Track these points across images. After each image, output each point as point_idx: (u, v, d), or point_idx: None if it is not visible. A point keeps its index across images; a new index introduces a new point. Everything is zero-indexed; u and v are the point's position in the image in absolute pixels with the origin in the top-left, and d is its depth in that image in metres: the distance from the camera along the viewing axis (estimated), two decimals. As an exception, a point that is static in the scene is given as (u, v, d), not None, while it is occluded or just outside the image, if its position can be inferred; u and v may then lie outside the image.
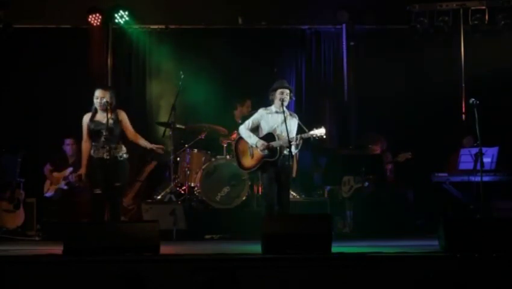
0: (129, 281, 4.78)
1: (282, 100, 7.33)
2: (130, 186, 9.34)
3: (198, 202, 9.13)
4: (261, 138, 7.37)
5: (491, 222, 6.65)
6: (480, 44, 10.19)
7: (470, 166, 8.25)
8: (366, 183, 8.92)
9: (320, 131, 7.15)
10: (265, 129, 7.43)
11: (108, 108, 7.19)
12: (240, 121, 8.39)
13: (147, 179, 9.80)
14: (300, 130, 7.33)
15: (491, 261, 5.83)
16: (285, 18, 10.61)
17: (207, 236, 8.68)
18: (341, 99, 10.68)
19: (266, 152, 7.28)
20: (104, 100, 7.21)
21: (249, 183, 8.98)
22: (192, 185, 9.17)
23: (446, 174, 8.82)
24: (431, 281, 5.53)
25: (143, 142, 7.55)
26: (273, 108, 7.45)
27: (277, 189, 7.30)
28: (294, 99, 7.69)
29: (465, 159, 8.60)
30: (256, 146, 7.34)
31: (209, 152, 9.38)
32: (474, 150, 8.12)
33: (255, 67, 10.37)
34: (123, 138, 7.45)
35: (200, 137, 9.45)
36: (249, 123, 7.53)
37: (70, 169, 9.35)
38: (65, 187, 9.40)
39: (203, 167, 9.11)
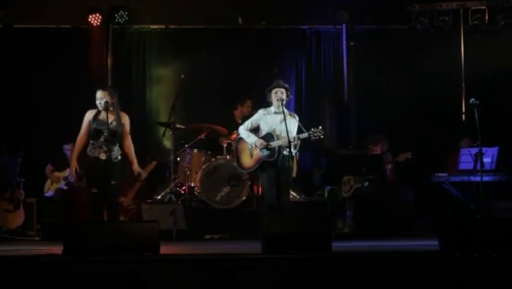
0: (129, 281, 4.78)
1: (280, 100, 7.32)
2: (130, 186, 9.33)
3: (198, 202, 9.14)
4: (260, 138, 7.37)
5: (491, 222, 6.64)
6: (480, 44, 10.20)
7: (470, 166, 8.25)
8: (366, 183, 8.91)
9: (318, 131, 7.15)
10: (264, 130, 7.43)
11: (110, 108, 7.14)
12: (240, 122, 8.39)
13: (147, 179, 9.78)
14: (299, 131, 7.33)
15: (491, 261, 5.83)
16: (285, 18, 10.61)
17: (207, 236, 8.69)
18: (341, 99, 10.68)
19: (265, 152, 7.28)
20: (104, 100, 7.19)
21: (249, 183, 8.99)
22: (192, 185, 9.18)
23: (446, 174, 8.82)
24: None
25: (128, 148, 7.35)
26: (272, 108, 7.45)
27: (277, 189, 7.30)
28: (292, 97, 7.68)
29: (465, 159, 8.59)
30: (255, 145, 7.34)
31: (209, 152, 9.38)
32: (474, 150, 8.12)
33: (255, 67, 10.38)
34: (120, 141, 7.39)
35: (200, 137, 9.45)
36: (248, 123, 7.53)
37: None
38: (65, 187, 9.41)
39: (203, 167, 9.12)
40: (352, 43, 10.64)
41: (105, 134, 7.11)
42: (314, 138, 7.20)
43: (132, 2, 10.41)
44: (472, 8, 10.12)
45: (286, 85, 7.52)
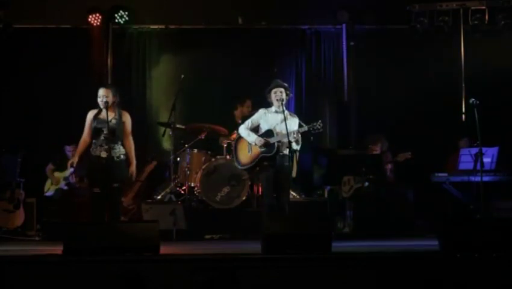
0: (129, 281, 4.78)
1: (280, 100, 7.33)
2: (130, 186, 9.33)
3: (198, 202, 9.14)
4: (260, 135, 7.39)
5: (491, 222, 6.65)
6: (480, 44, 10.20)
7: (470, 166, 8.25)
8: (366, 183, 8.91)
9: (318, 124, 7.18)
10: (264, 128, 7.45)
11: (109, 106, 7.15)
12: (240, 122, 8.39)
13: (147, 179, 9.80)
14: (299, 127, 7.35)
15: (491, 261, 5.83)
16: (285, 18, 10.61)
17: (207, 236, 8.68)
18: (341, 99, 10.68)
19: (264, 148, 7.31)
20: (105, 98, 7.19)
21: (249, 183, 8.99)
22: (192, 185, 9.17)
23: (446, 174, 8.82)
24: None
25: (129, 146, 7.34)
26: (273, 108, 7.47)
27: (276, 189, 7.30)
28: (292, 95, 7.68)
29: (465, 159, 8.60)
30: (255, 144, 7.36)
31: (209, 152, 9.38)
32: (474, 150, 8.12)
33: (255, 67, 10.38)
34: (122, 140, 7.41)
35: (200, 137, 9.45)
36: (248, 122, 7.55)
37: (71, 170, 9.35)
38: (66, 187, 9.41)
39: (203, 167, 9.11)
40: (352, 43, 10.64)
41: (104, 132, 7.13)
42: (313, 131, 7.23)
43: (132, 2, 10.41)
44: (472, 8, 10.12)
45: (285, 84, 7.52)
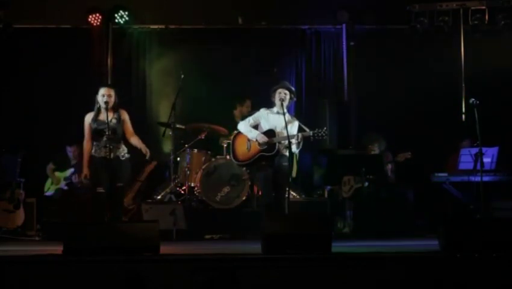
0: (129, 281, 4.78)
1: (282, 101, 7.33)
2: (130, 186, 9.33)
3: (198, 202, 9.14)
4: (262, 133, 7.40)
5: (491, 222, 6.65)
6: (480, 44, 10.20)
7: (470, 166, 8.25)
8: (366, 183, 8.91)
9: (323, 131, 7.16)
10: (265, 128, 7.45)
11: (110, 106, 7.16)
12: (239, 121, 8.40)
13: (147, 179, 9.80)
14: (301, 131, 7.34)
15: (491, 261, 5.83)
16: (285, 18, 10.61)
17: (207, 236, 8.68)
18: (341, 99, 10.67)
19: (265, 146, 7.30)
20: (105, 98, 7.19)
21: (249, 183, 8.99)
22: (192, 185, 9.17)
23: (446, 174, 8.81)
24: None
25: (135, 140, 7.41)
26: (274, 109, 7.47)
27: (275, 189, 7.31)
28: (295, 100, 7.67)
29: (465, 159, 8.59)
30: (256, 140, 7.35)
31: (209, 152, 9.38)
32: (474, 150, 8.12)
33: (255, 67, 10.38)
34: (124, 138, 7.44)
35: (200, 137, 9.45)
36: (249, 120, 7.57)
37: (72, 170, 9.37)
38: (66, 187, 9.41)
39: (203, 167, 9.11)
40: (352, 43, 10.63)
41: (106, 133, 7.14)
42: (317, 137, 7.22)
43: (132, 2, 10.41)
44: (472, 8, 10.12)
45: (292, 88, 7.54)
